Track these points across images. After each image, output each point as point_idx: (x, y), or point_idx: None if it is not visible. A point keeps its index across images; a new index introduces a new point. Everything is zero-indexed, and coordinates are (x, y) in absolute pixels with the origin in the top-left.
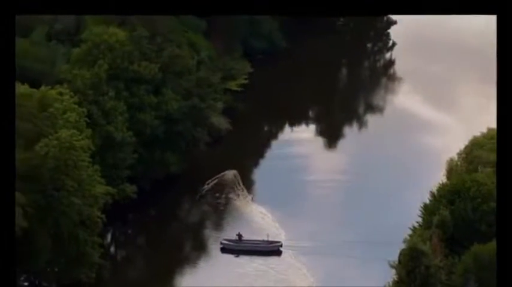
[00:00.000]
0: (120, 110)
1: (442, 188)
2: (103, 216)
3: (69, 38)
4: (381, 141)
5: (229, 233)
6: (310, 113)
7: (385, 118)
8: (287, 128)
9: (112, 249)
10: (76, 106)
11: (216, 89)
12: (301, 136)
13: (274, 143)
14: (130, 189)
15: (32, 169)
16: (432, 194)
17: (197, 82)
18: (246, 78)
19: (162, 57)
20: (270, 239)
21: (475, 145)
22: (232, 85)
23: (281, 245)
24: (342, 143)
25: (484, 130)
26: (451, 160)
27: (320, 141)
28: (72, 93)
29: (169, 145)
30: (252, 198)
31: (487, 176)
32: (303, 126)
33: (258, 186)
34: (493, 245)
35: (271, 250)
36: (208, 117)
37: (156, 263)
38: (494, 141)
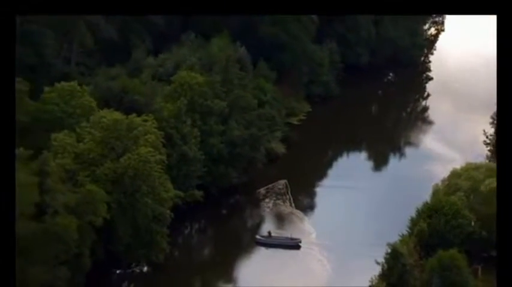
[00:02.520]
0: (194, 135)
1: (424, 205)
2: (171, 213)
3: (167, 78)
4: (412, 169)
5: (271, 230)
6: (363, 145)
7: (419, 151)
8: (345, 154)
9: (185, 238)
10: (156, 130)
11: (276, 122)
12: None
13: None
14: (198, 194)
15: (117, 175)
16: (417, 210)
17: (258, 116)
18: (304, 115)
19: (230, 96)
20: (293, 236)
21: (454, 174)
22: (293, 120)
23: (300, 242)
24: (385, 168)
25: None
26: (436, 185)
27: (369, 165)
28: (155, 120)
29: (232, 162)
30: (293, 205)
31: (458, 198)
32: (357, 153)
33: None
34: (453, 251)
35: (293, 244)
36: (263, 143)
37: (215, 249)
38: (469, 173)
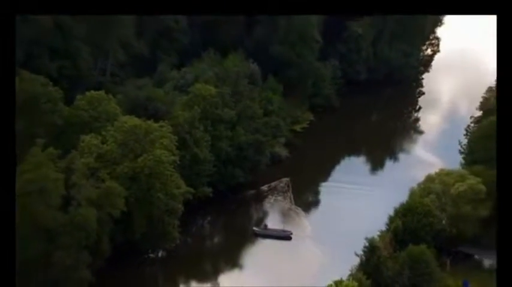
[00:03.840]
0: (205, 139)
1: (400, 206)
2: (182, 207)
3: (186, 89)
4: (403, 171)
5: (271, 223)
6: (362, 150)
7: (411, 157)
8: (346, 157)
9: (197, 229)
10: (170, 134)
11: (280, 129)
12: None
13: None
14: (208, 190)
15: (135, 173)
16: (395, 209)
17: (264, 124)
18: (307, 124)
19: (238, 106)
20: (285, 229)
21: (429, 179)
22: (297, 127)
23: (291, 234)
24: (381, 171)
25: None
26: (413, 187)
27: (367, 167)
28: (172, 125)
29: (239, 163)
30: (293, 201)
31: (430, 200)
32: (356, 157)
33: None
34: (423, 246)
35: (285, 236)
36: (267, 147)
37: (223, 238)
38: (441, 177)
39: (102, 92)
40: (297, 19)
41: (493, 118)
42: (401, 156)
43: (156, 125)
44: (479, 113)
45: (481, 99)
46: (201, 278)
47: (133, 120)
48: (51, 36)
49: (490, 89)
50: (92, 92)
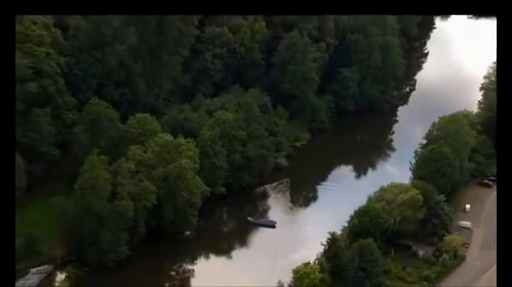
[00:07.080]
0: (222, 152)
1: (359, 208)
2: (200, 202)
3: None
4: (376, 178)
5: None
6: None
7: (384, 167)
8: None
9: (215, 217)
10: (194, 148)
11: (282, 145)
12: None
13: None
14: (222, 189)
15: (165, 176)
16: (355, 211)
17: (269, 142)
18: (306, 141)
19: (249, 129)
20: (272, 219)
21: (381, 189)
22: (297, 144)
23: (275, 223)
24: (363, 177)
25: None
26: (370, 195)
27: (353, 174)
28: (198, 141)
29: (247, 170)
30: (289, 198)
31: (381, 206)
32: (344, 166)
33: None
34: (370, 240)
35: (270, 225)
36: (270, 159)
37: (235, 225)
38: (391, 189)
39: (148, 115)
40: (301, 65)
41: (433, 146)
42: (378, 166)
43: (184, 140)
44: (425, 141)
45: (426, 131)
46: (217, 253)
47: (167, 136)
48: (117, 71)
49: (433, 124)
50: (140, 114)
